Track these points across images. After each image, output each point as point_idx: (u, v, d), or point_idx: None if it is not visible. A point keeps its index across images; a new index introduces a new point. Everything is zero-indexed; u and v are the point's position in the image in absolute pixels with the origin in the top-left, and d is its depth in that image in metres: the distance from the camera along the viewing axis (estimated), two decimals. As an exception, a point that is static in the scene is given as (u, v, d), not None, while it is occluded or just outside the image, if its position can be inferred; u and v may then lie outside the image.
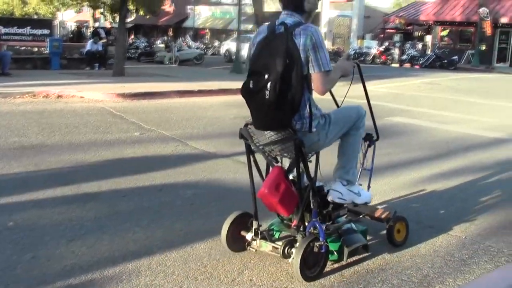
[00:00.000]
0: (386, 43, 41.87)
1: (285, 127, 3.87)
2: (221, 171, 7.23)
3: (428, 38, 43.84)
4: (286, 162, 4.33)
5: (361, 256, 4.44)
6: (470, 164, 8.22)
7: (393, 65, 37.41)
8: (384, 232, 4.76)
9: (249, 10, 31.80)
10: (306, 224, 4.11)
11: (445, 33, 43.08)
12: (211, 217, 5.33)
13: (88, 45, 24.86)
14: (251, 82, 3.86)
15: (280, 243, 4.12)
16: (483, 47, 38.84)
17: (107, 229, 4.95)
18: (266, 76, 3.74)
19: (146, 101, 14.08)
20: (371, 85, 19.33)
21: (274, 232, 4.38)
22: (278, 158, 4.28)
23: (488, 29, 38.00)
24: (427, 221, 5.37)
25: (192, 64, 31.00)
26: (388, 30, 46.92)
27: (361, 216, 4.68)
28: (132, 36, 47.23)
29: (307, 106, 3.91)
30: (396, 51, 40.24)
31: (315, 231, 4.07)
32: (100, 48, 24.94)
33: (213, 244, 4.63)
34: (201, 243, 4.65)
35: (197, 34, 58.50)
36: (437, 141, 9.93)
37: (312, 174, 4.17)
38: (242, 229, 4.36)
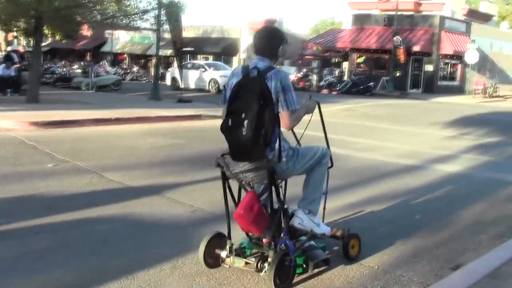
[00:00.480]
0: (305, 70, 42.54)
1: (255, 156, 4.40)
2: (137, 204, 7.11)
3: (345, 65, 44.90)
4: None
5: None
6: (384, 192, 8.41)
7: (312, 91, 38.00)
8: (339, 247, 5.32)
9: (168, 35, 31.63)
10: (275, 240, 4.63)
11: (361, 60, 44.26)
12: (126, 254, 5.23)
13: (0, 70, 24.09)
14: (230, 120, 4.38)
15: (252, 259, 4.67)
16: (398, 74, 40.10)
17: (16, 271, 4.77)
18: (243, 115, 4.27)
19: (61, 129, 13.76)
20: (289, 112, 19.60)
21: (246, 250, 4.90)
22: (251, 184, 4.81)
23: (402, 56, 39.25)
24: (341, 252, 5.42)
25: (110, 90, 30.40)
26: (306, 57, 47.74)
27: (319, 235, 5.00)
28: (63, 62, 46.03)
29: (277, 140, 4.45)
30: (314, 77, 40.96)
31: (284, 248, 4.54)
32: (13, 73, 24.19)
33: (127, 284, 4.53)
34: (115, 283, 4.54)
35: (115, 59, 57.86)
36: (352, 170, 10.10)
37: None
38: (217, 247, 4.81)
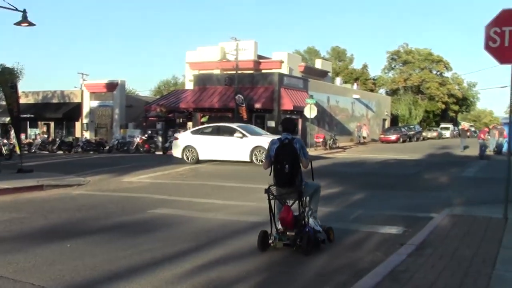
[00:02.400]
0: (149, 131, 42.36)
1: (292, 185, 8.51)
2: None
3: (190, 125, 45.23)
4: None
5: None
6: (230, 251, 8.49)
7: (157, 152, 37.86)
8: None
9: (5, 102, 30.05)
10: (301, 230, 8.49)
11: (205, 119, 44.77)
12: None
13: None
14: (278, 166, 8.46)
15: (287, 241, 8.46)
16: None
17: None
18: (285, 163, 8.39)
19: None
20: (134, 177, 19.29)
21: (282, 238, 8.53)
22: (286, 200, 8.79)
23: (244, 114, 40.17)
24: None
25: None
26: (150, 118, 47.62)
27: (316, 230, 8.86)
28: None
29: (300, 175, 8.60)
30: (159, 139, 40.85)
31: (308, 232, 8.46)
32: None
33: None
34: None
35: None
36: (199, 231, 10.10)
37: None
38: (265, 239, 8.56)
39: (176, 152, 27.33)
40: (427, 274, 6.72)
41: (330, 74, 65.93)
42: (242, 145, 25.24)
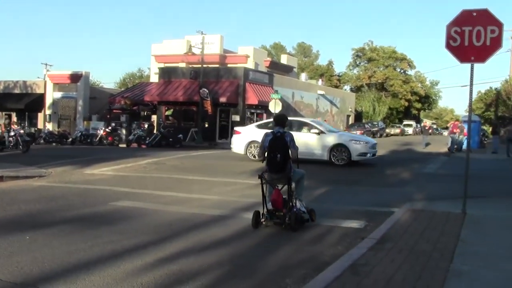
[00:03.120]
0: (113, 124, 41.96)
1: (283, 172, 9.85)
2: None
3: (154, 118, 44.95)
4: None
5: None
6: (191, 245, 8.48)
7: (121, 145, 37.53)
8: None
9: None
10: (290, 210, 9.80)
11: (169, 112, 44.60)
12: None
13: None
14: (271, 155, 9.80)
15: (277, 220, 9.79)
16: (206, 125, 40.88)
17: None
18: (277, 153, 9.76)
19: None
20: (97, 169, 19.11)
21: (271, 217, 9.87)
22: (277, 185, 10.08)
23: (209, 108, 40.12)
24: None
25: None
26: (114, 111, 47.15)
27: (302, 211, 10.18)
28: None
29: (289, 163, 9.94)
30: (123, 131, 40.51)
31: (295, 212, 9.76)
32: None
33: None
34: None
35: None
36: (160, 224, 10.06)
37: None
38: (258, 218, 9.88)
39: (238, 148, 24.40)
40: (386, 267, 6.82)
41: (295, 69, 66.23)
42: (320, 143, 22.37)
